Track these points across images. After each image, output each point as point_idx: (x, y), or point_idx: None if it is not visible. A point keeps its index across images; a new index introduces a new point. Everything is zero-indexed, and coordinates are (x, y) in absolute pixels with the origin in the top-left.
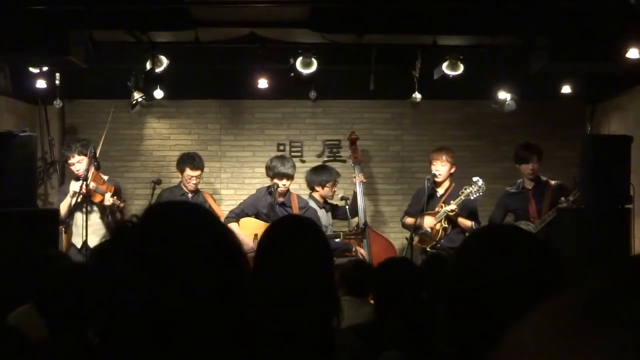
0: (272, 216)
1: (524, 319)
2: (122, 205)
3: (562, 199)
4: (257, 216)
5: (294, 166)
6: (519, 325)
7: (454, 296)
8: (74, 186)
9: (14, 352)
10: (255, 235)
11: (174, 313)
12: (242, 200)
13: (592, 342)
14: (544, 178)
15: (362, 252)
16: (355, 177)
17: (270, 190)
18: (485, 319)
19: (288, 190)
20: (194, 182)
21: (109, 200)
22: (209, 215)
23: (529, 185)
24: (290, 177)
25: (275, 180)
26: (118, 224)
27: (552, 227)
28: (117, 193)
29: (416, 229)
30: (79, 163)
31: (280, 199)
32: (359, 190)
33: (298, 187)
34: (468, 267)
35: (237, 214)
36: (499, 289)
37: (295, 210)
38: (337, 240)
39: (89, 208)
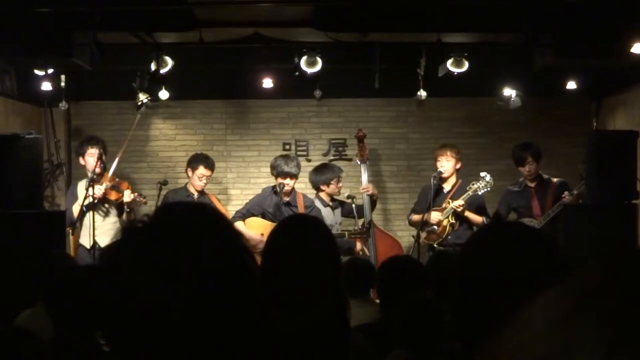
0: (278, 216)
1: (520, 312)
2: (143, 201)
3: (566, 192)
4: (263, 216)
5: (298, 165)
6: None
7: (459, 293)
8: (83, 187)
9: (27, 354)
10: (262, 235)
11: (182, 315)
12: (248, 200)
13: (582, 338)
14: (545, 176)
15: (364, 251)
16: (361, 176)
17: (275, 190)
18: (489, 316)
19: (293, 189)
20: (204, 181)
21: (129, 196)
22: (218, 216)
23: (531, 184)
24: (293, 176)
25: (280, 180)
26: (127, 225)
27: (557, 223)
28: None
29: (423, 225)
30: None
31: (286, 199)
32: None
33: (305, 186)
34: (473, 264)
35: (243, 214)
36: (503, 286)
37: (301, 209)
38: (344, 239)
39: (104, 208)
